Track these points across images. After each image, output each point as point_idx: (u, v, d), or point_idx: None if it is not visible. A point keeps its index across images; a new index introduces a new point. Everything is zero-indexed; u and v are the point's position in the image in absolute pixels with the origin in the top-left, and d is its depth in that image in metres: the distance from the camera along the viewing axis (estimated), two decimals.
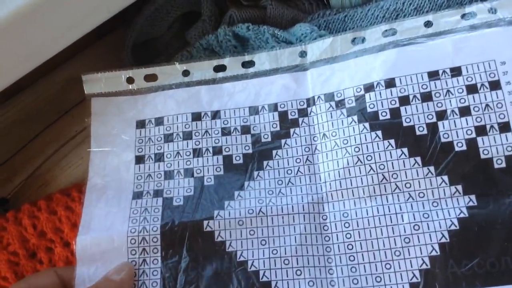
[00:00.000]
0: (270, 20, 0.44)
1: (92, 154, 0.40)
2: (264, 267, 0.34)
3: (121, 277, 0.35)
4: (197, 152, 0.39)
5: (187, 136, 0.40)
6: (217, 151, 0.39)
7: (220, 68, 0.41)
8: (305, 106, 0.38)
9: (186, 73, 0.41)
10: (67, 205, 0.40)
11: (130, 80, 0.41)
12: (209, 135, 0.39)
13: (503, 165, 0.33)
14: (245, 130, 0.39)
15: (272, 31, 0.41)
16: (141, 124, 0.41)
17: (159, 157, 0.39)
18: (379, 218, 0.34)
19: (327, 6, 0.45)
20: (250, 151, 0.38)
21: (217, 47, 0.43)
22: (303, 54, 0.39)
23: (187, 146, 0.39)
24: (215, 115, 0.40)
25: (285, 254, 0.34)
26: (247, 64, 0.40)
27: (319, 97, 0.38)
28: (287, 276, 0.34)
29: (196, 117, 0.40)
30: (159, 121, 0.40)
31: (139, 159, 0.40)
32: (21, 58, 0.37)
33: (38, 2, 0.34)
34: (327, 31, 0.42)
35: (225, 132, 0.39)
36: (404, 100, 0.36)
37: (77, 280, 0.35)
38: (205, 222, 0.36)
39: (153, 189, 0.38)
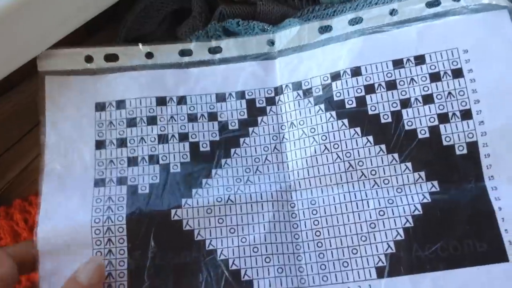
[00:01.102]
0: (260, 16, 0.44)
1: (48, 138, 0.38)
2: (233, 255, 0.34)
3: (89, 280, 0.33)
4: (162, 138, 0.38)
5: (152, 121, 0.38)
6: (183, 137, 0.38)
7: (185, 53, 0.40)
8: (273, 94, 0.38)
9: (149, 55, 0.40)
10: None
11: (89, 59, 0.39)
12: (175, 120, 0.38)
13: (464, 151, 0.34)
14: (212, 117, 0.39)
15: (262, 27, 0.40)
16: (100, 107, 0.39)
17: (121, 142, 0.38)
18: (345, 204, 0.35)
19: (317, 1, 0.45)
20: (217, 138, 0.38)
21: None
22: (271, 42, 0.39)
23: (152, 132, 0.38)
24: (181, 100, 0.39)
25: (254, 242, 0.35)
26: (214, 50, 0.40)
27: (287, 85, 0.38)
28: (256, 264, 0.34)
29: (161, 101, 0.39)
30: (120, 104, 0.39)
31: (100, 144, 0.38)
32: (10, 54, 0.36)
33: None
34: None
35: (192, 118, 0.38)
36: (370, 89, 0.36)
37: (40, 273, 0.34)
38: (173, 211, 0.36)
39: (116, 176, 0.37)
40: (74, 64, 0.39)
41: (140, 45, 0.40)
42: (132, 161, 0.38)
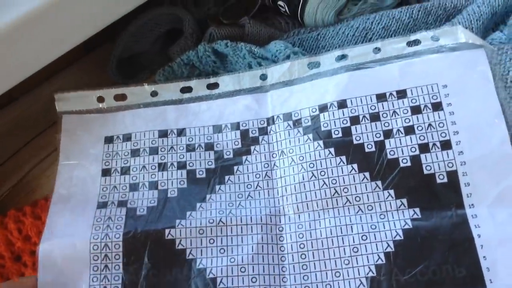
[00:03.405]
0: (248, 38, 0.47)
1: (60, 167, 0.42)
2: (222, 274, 0.36)
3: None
4: (162, 166, 0.41)
5: (153, 151, 0.42)
6: (181, 165, 0.41)
7: (186, 90, 0.43)
8: (265, 125, 0.41)
9: (154, 93, 0.44)
10: None
11: (100, 99, 0.44)
12: (175, 151, 0.41)
13: (445, 180, 0.35)
14: (209, 147, 0.41)
15: (249, 48, 0.44)
16: (109, 140, 0.43)
17: (125, 170, 0.41)
18: (330, 229, 0.36)
19: (302, 25, 0.48)
20: (213, 166, 0.40)
21: (197, 62, 0.45)
22: (263, 77, 0.42)
23: (153, 161, 0.41)
24: (181, 132, 0.42)
25: (242, 262, 0.36)
26: (212, 86, 0.43)
27: (278, 116, 0.41)
28: (243, 283, 0.35)
29: (163, 134, 0.42)
30: (127, 137, 0.42)
31: (106, 172, 0.41)
32: (10, 70, 0.39)
33: (26, 18, 0.37)
34: (301, 48, 0.45)
35: (190, 148, 0.41)
36: (355, 120, 0.38)
37: (40, 285, 0.36)
38: (167, 231, 0.38)
39: (117, 199, 0.40)
40: (88, 104, 0.44)
41: (146, 85, 0.44)
42: (133, 187, 0.41)
